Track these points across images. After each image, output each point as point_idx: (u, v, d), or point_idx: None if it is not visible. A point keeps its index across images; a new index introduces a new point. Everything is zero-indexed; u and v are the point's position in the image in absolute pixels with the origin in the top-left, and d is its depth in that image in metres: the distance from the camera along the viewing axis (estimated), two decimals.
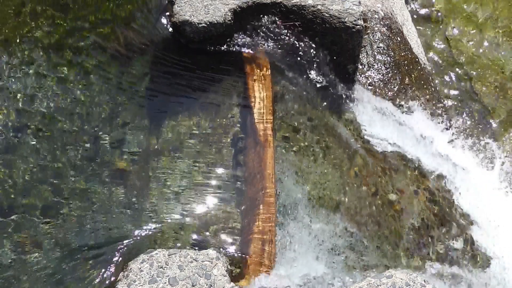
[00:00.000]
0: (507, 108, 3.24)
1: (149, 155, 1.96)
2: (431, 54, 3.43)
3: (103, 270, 1.68)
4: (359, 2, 2.27)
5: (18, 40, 2.13)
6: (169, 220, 1.82)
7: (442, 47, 3.48)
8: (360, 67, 2.51)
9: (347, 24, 2.23)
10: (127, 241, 1.75)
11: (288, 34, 2.31)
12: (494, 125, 3.18)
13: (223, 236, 1.81)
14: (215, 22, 2.15)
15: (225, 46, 2.26)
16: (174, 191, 1.89)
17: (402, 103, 2.53)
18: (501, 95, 3.30)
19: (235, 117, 2.10)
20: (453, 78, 3.37)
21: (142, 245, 1.74)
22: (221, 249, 1.76)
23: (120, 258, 1.71)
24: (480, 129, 3.16)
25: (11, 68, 2.04)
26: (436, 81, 3.26)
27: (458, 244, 2.23)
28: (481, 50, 3.46)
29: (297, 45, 2.31)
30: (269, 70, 2.22)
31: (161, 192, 1.88)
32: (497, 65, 3.39)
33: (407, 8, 3.19)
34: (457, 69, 3.39)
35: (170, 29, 2.27)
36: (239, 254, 1.77)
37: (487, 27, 3.53)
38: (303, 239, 1.89)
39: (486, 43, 3.48)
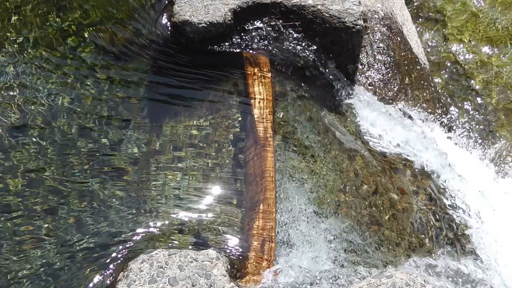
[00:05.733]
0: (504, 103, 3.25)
1: (149, 155, 1.96)
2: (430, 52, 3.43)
3: (103, 270, 1.68)
4: (359, 2, 2.27)
5: (17, 40, 2.13)
6: (169, 220, 1.82)
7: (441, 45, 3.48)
8: (360, 67, 2.51)
9: (347, 24, 2.23)
10: (127, 241, 1.75)
11: (288, 34, 2.30)
12: (493, 122, 3.19)
13: (223, 236, 1.81)
14: (215, 22, 2.15)
15: (225, 46, 2.26)
16: (174, 191, 1.89)
17: (402, 102, 2.53)
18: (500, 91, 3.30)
19: (235, 117, 2.10)
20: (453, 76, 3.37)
21: (142, 245, 1.74)
22: (221, 249, 1.76)
23: (120, 258, 1.70)
24: (480, 128, 3.16)
25: (11, 69, 2.05)
26: (436, 79, 3.26)
27: (459, 243, 2.23)
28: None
29: (297, 45, 2.31)
30: (269, 70, 2.22)
31: (161, 192, 1.88)
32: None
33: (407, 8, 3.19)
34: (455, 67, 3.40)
35: (170, 29, 2.27)
36: (239, 254, 1.77)
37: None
38: (303, 239, 1.88)
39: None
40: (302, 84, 2.31)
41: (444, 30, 3.55)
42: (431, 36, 3.54)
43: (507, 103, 3.27)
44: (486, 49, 3.46)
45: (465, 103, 3.26)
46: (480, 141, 3.09)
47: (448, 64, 3.42)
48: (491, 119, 3.21)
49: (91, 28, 2.24)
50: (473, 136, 3.11)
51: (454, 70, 3.40)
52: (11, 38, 2.12)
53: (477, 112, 3.23)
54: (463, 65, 3.40)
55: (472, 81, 3.34)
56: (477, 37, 3.51)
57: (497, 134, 3.14)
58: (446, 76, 3.37)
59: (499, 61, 3.41)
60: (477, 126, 3.17)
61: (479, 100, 3.28)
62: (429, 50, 3.45)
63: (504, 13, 3.60)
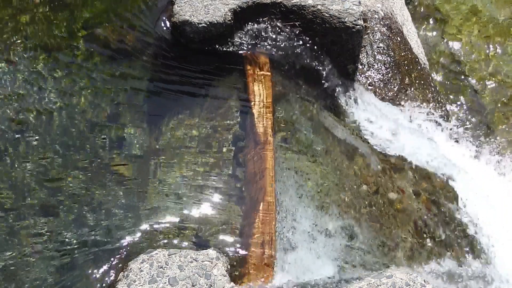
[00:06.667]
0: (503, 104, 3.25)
1: (149, 155, 1.96)
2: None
3: (103, 270, 1.68)
4: (359, 2, 2.27)
5: (17, 40, 2.13)
6: (169, 220, 1.82)
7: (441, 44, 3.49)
8: (360, 67, 2.51)
9: (347, 24, 2.23)
10: (127, 241, 1.75)
11: (288, 34, 2.31)
12: (492, 120, 3.19)
13: (223, 236, 1.81)
14: (215, 22, 2.15)
15: (225, 46, 2.26)
16: (174, 191, 1.89)
17: (402, 102, 2.53)
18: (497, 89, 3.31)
19: (235, 117, 2.10)
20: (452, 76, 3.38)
21: (142, 245, 1.74)
22: (221, 249, 1.76)
23: (120, 258, 1.71)
24: (479, 125, 3.16)
25: (11, 68, 2.05)
26: (436, 79, 3.27)
27: (460, 243, 2.24)
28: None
29: (297, 45, 2.32)
30: (269, 70, 2.22)
31: (161, 192, 1.88)
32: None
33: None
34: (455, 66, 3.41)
35: (170, 29, 2.27)
36: (239, 254, 1.77)
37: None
38: (303, 239, 1.89)
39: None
40: (302, 84, 2.31)
41: (443, 28, 3.56)
42: (431, 35, 3.54)
43: (506, 100, 3.27)
44: (484, 47, 3.47)
45: (464, 101, 3.27)
46: (479, 138, 3.09)
47: (447, 63, 3.43)
48: (490, 116, 3.22)
49: (90, 28, 2.24)
50: (472, 133, 3.11)
51: (453, 68, 3.40)
52: (13, 41, 2.12)
53: (476, 110, 3.24)
54: (462, 63, 3.41)
55: (471, 79, 3.35)
56: (476, 35, 3.51)
57: (496, 131, 3.15)
58: (445, 74, 3.38)
59: (497, 59, 3.42)
60: (476, 124, 3.17)
61: (478, 97, 3.28)
62: (428, 48, 3.45)
63: (502, 11, 3.61)
